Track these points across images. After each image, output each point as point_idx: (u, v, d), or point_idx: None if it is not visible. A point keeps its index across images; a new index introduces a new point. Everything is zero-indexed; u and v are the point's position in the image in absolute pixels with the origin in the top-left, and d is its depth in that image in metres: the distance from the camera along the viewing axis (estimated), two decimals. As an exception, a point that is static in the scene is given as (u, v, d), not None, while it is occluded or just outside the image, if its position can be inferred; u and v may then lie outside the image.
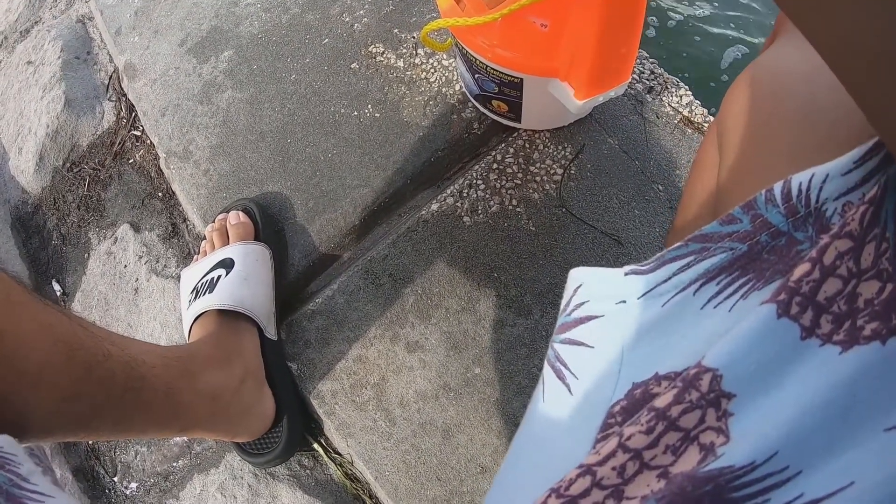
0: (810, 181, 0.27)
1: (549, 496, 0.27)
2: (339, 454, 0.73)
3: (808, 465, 0.23)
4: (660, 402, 0.26)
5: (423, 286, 0.73)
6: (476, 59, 0.67)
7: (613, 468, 0.26)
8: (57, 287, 0.91)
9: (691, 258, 0.30)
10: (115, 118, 0.96)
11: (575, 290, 0.34)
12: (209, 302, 0.68)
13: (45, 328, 0.43)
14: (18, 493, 0.31)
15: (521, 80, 0.67)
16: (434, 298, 0.73)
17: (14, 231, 0.95)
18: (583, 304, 0.33)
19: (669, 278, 0.30)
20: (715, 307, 0.28)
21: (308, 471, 0.73)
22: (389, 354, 0.71)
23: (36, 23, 1.10)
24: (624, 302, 0.32)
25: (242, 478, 0.73)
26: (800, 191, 0.27)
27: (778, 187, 0.28)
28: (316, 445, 0.73)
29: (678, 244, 0.31)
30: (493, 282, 0.73)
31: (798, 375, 0.24)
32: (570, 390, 0.32)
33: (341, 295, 0.74)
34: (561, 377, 0.32)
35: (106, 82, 0.99)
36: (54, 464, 0.79)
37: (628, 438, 0.26)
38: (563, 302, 0.35)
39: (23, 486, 0.31)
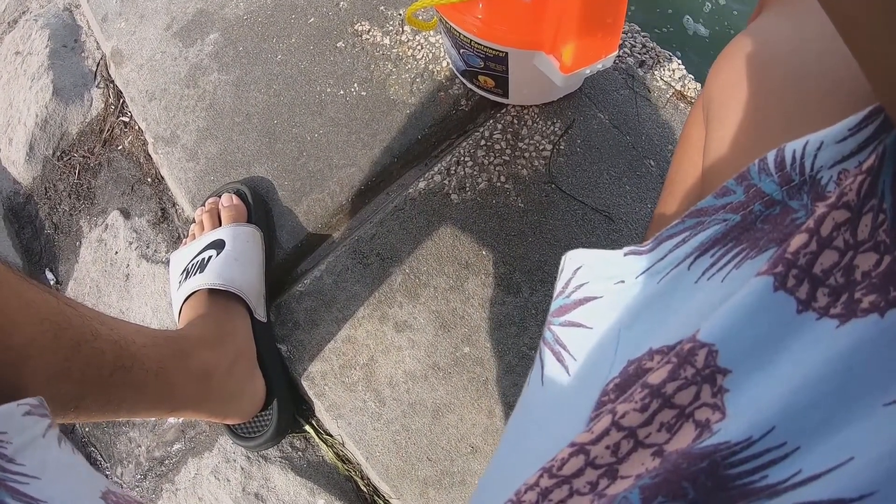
0: (804, 149, 0.26)
1: (541, 476, 0.27)
2: (331, 435, 0.72)
3: (805, 440, 0.22)
4: (654, 379, 0.25)
5: (411, 265, 0.72)
6: (460, 34, 0.66)
7: (607, 447, 0.26)
8: (50, 276, 0.91)
9: (687, 233, 0.30)
10: (103, 105, 0.95)
11: (574, 272, 0.34)
12: (200, 281, 0.68)
13: (30, 305, 0.43)
14: (2, 476, 0.31)
15: (506, 53, 0.65)
16: (422, 277, 0.72)
17: (7, 222, 0.95)
18: (582, 285, 0.33)
19: (666, 255, 0.30)
20: (709, 279, 0.28)
21: (300, 452, 0.73)
22: (378, 334, 0.70)
23: (23, 13, 1.09)
24: (622, 282, 0.31)
25: (235, 461, 0.73)
26: (794, 159, 0.26)
27: (771, 156, 0.27)
28: (307, 427, 0.73)
29: (675, 221, 0.30)
30: (482, 259, 0.72)
31: (794, 350, 0.23)
32: (568, 372, 0.31)
33: (329, 275, 0.73)
34: (560, 359, 0.32)
35: (94, 69, 0.98)
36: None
37: (622, 416, 0.26)
38: (561, 283, 0.35)
39: (7, 468, 0.31)
